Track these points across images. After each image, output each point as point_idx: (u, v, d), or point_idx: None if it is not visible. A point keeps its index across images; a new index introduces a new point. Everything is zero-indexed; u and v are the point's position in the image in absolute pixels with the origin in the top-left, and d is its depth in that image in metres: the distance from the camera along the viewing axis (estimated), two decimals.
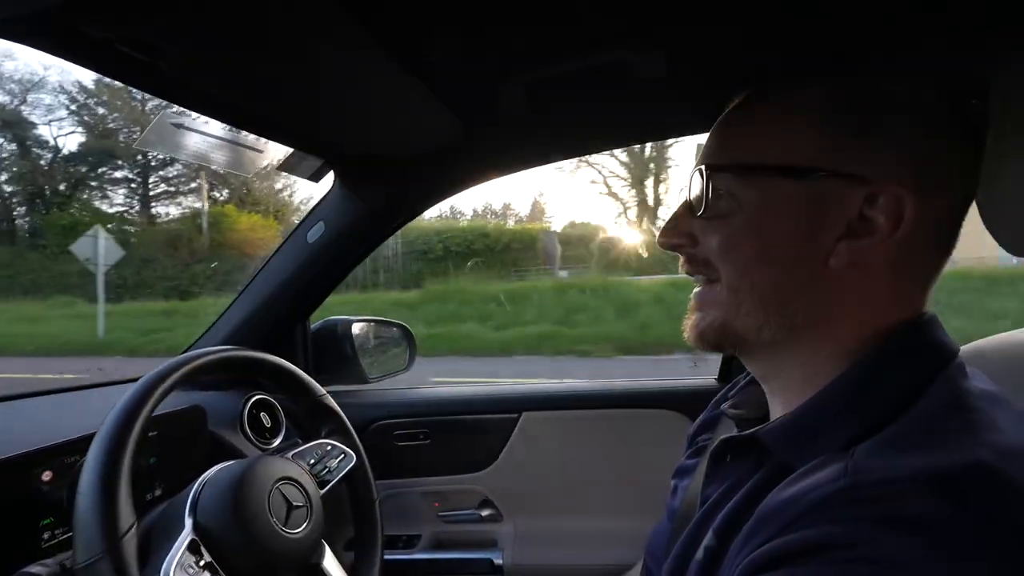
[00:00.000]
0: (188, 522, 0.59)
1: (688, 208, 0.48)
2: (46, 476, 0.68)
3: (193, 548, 0.57)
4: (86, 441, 0.72)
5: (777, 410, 0.49)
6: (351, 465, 0.83)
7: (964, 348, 0.47)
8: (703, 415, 0.67)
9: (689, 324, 0.49)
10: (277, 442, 1.08)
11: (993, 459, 0.33)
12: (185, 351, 0.96)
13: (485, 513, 1.22)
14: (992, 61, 0.52)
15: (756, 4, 0.59)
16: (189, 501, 0.61)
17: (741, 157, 0.45)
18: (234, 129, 0.76)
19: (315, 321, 1.30)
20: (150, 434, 0.83)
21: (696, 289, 0.49)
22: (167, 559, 0.54)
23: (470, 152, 0.95)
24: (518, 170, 1.01)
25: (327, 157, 0.94)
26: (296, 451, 0.78)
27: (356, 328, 1.34)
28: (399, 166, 0.98)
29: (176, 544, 0.56)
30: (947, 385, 0.39)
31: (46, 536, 0.68)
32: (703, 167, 0.46)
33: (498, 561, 1.14)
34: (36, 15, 0.43)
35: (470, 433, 1.20)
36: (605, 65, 0.70)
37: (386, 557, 0.84)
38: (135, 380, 0.63)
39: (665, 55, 0.68)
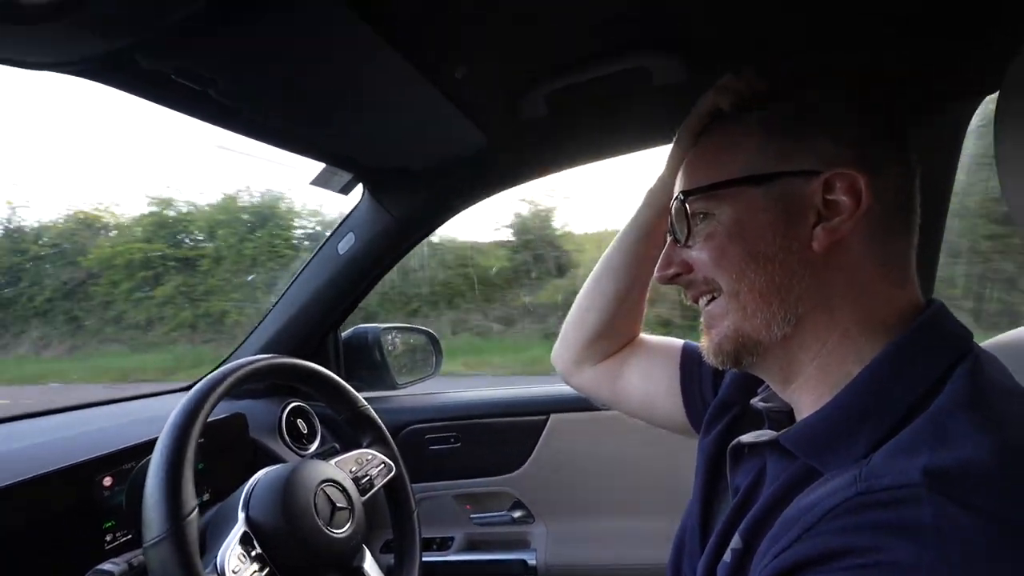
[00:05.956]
0: (241, 515, 0.62)
1: (674, 241, 0.53)
2: (107, 481, 0.73)
3: (245, 540, 0.60)
4: (144, 448, 0.76)
5: (804, 411, 0.49)
6: (391, 475, 0.86)
7: (982, 345, 0.48)
8: (721, 393, 0.65)
9: (705, 344, 0.52)
10: (313, 448, 1.12)
11: (999, 458, 0.34)
12: (223, 361, 1.00)
13: (517, 515, 1.24)
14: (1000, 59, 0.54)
15: (769, 9, 0.61)
16: (243, 497, 0.65)
17: (709, 179, 0.50)
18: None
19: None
20: (199, 441, 0.87)
21: (703, 309, 0.53)
22: (223, 547, 0.58)
23: (492, 161, 0.98)
24: (539, 176, 1.04)
25: (356, 171, 0.98)
26: (339, 458, 0.81)
27: (384, 336, 1.38)
28: (424, 177, 1.01)
29: (231, 535, 0.59)
30: (963, 381, 0.39)
31: (108, 538, 0.72)
32: (680, 195, 0.51)
33: (531, 562, 1.16)
34: (104, 54, 0.47)
35: (500, 436, 1.22)
36: (625, 72, 0.72)
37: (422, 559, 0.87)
38: (185, 389, 0.67)
39: (684, 60, 0.70)
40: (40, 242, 9.08)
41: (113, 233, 9.08)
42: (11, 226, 9.22)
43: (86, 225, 9.01)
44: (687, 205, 0.51)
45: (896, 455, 0.37)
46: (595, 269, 0.77)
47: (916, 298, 0.47)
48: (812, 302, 0.46)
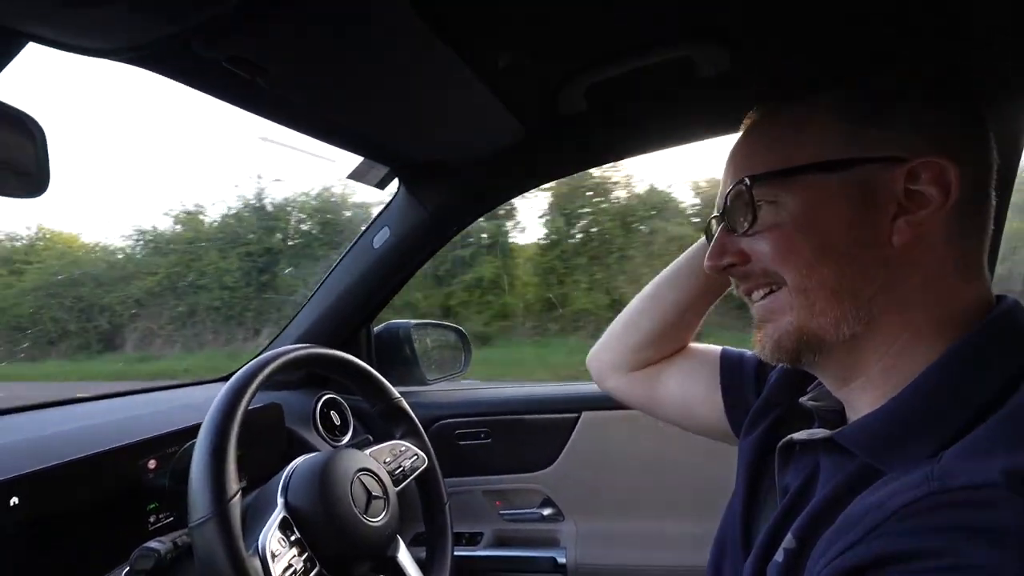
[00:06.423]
0: (280, 501, 0.63)
1: (729, 229, 0.49)
2: (151, 464, 0.74)
3: (284, 525, 0.61)
4: (186, 433, 0.78)
5: (861, 410, 0.47)
6: (423, 467, 0.86)
7: None
8: (765, 393, 0.62)
9: (760, 338, 0.49)
10: (346, 439, 1.13)
11: None
12: (261, 352, 1.02)
13: (546, 512, 1.23)
14: None
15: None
16: (281, 484, 0.65)
17: (776, 164, 0.46)
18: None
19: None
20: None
21: (758, 303, 0.49)
22: (263, 531, 0.59)
23: (529, 155, 0.97)
24: (577, 170, 1.03)
25: (393, 164, 0.98)
26: (373, 449, 0.81)
27: (415, 332, 1.39)
28: (460, 171, 1.01)
29: (270, 520, 0.60)
30: None
31: (152, 520, 0.74)
32: (744, 180, 0.46)
33: (561, 560, 1.15)
34: (159, 41, 0.48)
35: (530, 433, 1.22)
36: (667, 63, 0.71)
37: None
38: (224, 379, 0.68)
39: (729, 51, 0.68)
40: (300, 224, 7.74)
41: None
42: (261, 203, 7.78)
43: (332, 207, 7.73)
44: (753, 191, 0.46)
45: (971, 455, 0.36)
46: (664, 272, 0.74)
47: (987, 293, 0.45)
48: (886, 301, 0.43)
